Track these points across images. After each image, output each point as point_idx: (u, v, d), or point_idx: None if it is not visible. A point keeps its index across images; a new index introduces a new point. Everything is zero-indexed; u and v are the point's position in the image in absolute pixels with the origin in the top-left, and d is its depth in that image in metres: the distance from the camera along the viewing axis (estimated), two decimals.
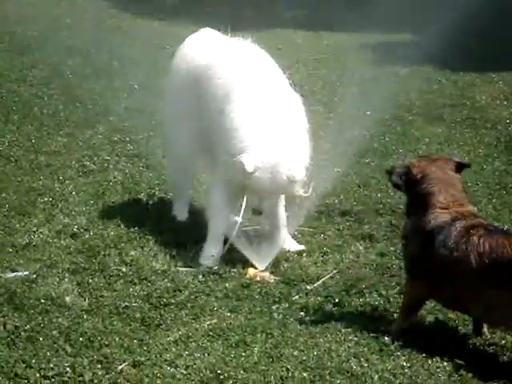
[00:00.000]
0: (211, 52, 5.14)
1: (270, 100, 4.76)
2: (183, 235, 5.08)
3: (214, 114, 4.83)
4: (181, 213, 5.35)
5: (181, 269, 4.71)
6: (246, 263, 4.77)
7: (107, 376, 3.74)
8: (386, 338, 4.00)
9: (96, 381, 3.71)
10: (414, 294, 4.06)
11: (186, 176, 5.37)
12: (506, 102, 7.87)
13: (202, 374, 3.77)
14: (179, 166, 5.33)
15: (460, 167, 4.12)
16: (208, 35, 5.36)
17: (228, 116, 4.71)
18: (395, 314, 4.25)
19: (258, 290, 4.51)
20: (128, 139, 6.73)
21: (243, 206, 4.71)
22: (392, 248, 4.98)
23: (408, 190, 4.07)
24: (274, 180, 4.56)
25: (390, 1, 10.67)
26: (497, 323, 3.96)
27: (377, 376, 3.76)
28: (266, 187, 4.58)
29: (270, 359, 3.89)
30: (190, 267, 4.73)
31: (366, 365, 3.85)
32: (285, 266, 4.78)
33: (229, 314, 4.27)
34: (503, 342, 4.02)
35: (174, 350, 3.95)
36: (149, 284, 4.54)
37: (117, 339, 4.01)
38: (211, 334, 4.09)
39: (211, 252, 4.81)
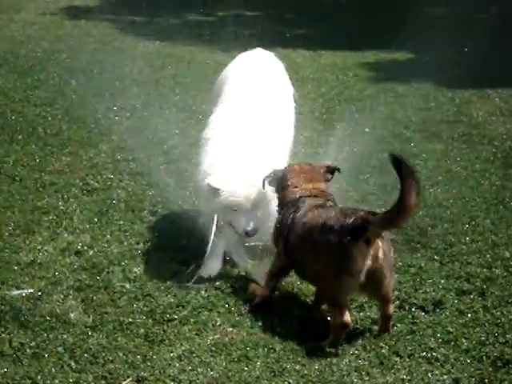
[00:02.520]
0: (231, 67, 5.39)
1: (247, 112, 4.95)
2: (186, 252, 5.13)
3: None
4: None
5: (183, 285, 4.76)
6: (248, 279, 4.83)
7: None
8: (383, 351, 4.07)
9: None
10: (276, 263, 4.52)
11: None
12: (502, 118, 7.92)
13: None
14: None
15: (331, 171, 4.68)
16: (255, 55, 5.50)
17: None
18: (395, 327, 4.31)
19: (260, 304, 4.56)
20: (131, 158, 6.78)
21: (214, 224, 4.83)
22: None
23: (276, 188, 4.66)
24: (245, 192, 4.69)
25: (388, 20, 10.76)
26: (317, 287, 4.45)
27: None
28: (241, 201, 4.69)
29: (272, 373, 3.95)
30: (193, 283, 4.78)
31: (367, 378, 3.91)
32: (286, 280, 4.84)
33: (231, 329, 4.32)
34: None
35: (177, 365, 4.00)
36: (152, 300, 4.60)
37: (121, 355, 4.07)
38: (214, 349, 4.14)
39: (211, 266, 4.87)
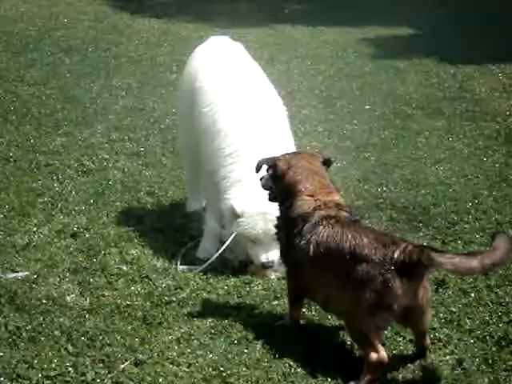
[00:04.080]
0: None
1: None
2: (183, 233, 5.08)
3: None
4: (192, 205, 5.35)
5: (181, 266, 4.70)
6: (247, 260, 4.76)
7: (109, 375, 3.74)
8: (386, 332, 4.00)
9: (98, 380, 3.71)
10: (292, 284, 4.05)
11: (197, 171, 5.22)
12: (505, 94, 7.85)
13: (204, 372, 3.77)
14: (191, 161, 5.30)
15: (327, 162, 4.11)
16: (214, 45, 5.30)
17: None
18: None
19: (259, 286, 4.51)
20: (127, 138, 6.71)
21: (228, 241, 4.63)
22: None
23: (275, 183, 4.03)
24: (265, 226, 4.48)
25: None
26: (334, 313, 3.98)
27: None
28: (259, 234, 4.53)
29: (273, 355, 3.89)
30: (191, 265, 4.72)
31: None
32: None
33: (230, 311, 4.26)
34: None
35: (176, 348, 3.95)
36: (150, 282, 4.54)
37: (118, 338, 4.01)
38: (213, 331, 4.09)
39: (207, 246, 4.81)
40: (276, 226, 4.10)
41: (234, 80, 4.92)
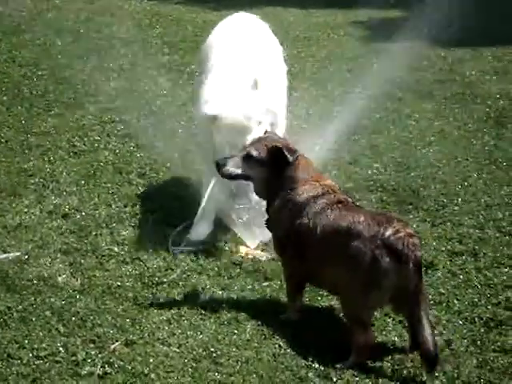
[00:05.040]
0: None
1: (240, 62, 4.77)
2: (175, 214, 5.07)
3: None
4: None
5: (172, 247, 4.71)
6: (238, 241, 4.78)
7: (100, 355, 3.76)
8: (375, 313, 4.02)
9: (89, 360, 3.73)
10: (292, 272, 4.00)
11: None
12: (495, 77, 7.85)
13: (194, 352, 3.80)
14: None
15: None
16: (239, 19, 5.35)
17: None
18: None
19: (250, 267, 4.53)
20: (118, 119, 6.69)
21: (212, 182, 4.67)
22: None
23: (273, 169, 3.95)
24: (235, 120, 4.46)
25: None
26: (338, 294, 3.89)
27: None
28: (230, 130, 4.47)
29: (263, 336, 3.92)
30: (182, 246, 4.73)
31: None
32: None
33: (221, 292, 4.29)
34: None
35: (166, 328, 3.97)
36: (141, 263, 4.55)
37: (109, 318, 4.03)
38: (203, 312, 4.11)
39: (201, 228, 4.82)
40: (269, 220, 4.05)
41: (244, 41, 4.97)
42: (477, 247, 4.71)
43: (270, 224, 4.09)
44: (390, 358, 3.78)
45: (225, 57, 4.85)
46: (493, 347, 3.86)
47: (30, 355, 3.75)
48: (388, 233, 3.59)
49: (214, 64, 4.82)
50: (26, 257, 4.57)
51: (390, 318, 4.04)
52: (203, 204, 4.85)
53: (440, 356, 3.65)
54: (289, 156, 3.91)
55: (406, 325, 3.82)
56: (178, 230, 4.84)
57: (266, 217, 4.09)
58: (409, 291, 3.59)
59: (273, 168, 3.95)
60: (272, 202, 4.00)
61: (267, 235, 4.48)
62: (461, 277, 4.42)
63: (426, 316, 3.62)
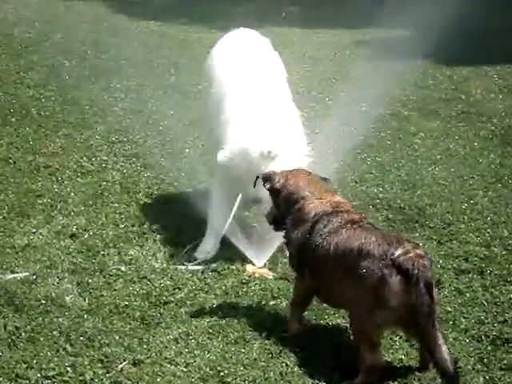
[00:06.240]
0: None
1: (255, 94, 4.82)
2: (182, 234, 5.10)
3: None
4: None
5: (179, 267, 4.73)
6: (245, 260, 4.79)
7: (108, 375, 3.77)
8: None
9: (97, 380, 3.74)
10: (300, 289, 4.07)
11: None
12: (500, 96, 7.88)
13: (202, 372, 3.80)
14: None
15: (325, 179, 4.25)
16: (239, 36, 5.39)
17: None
18: None
19: (257, 286, 4.54)
20: (126, 139, 6.74)
21: (236, 205, 4.72)
22: None
23: (276, 197, 4.14)
24: (249, 161, 4.53)
25: None
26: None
27: None
28: (244, 171, 4.56)
29: (270, 355, 3.92)
30: (189, 265, 4.75)
31: None
32: (282, 262, 4.79)
33: (228, 311, 4.29)
34: None
35: (173, 347, 3.98)
36: (148, 283, 4.57)
37: (117, 338, 4.04)
38: (211, 331, 4.11)
39: (207, 247, 4.84)
40: (285, 237, 4.13)
41: (247, 65, 5.01)
42: (483, 265, 4.71)
43: (285, 242, 4.17)
44: (396, 377, 3.77)
45: (244, 92, 4.83)
46: (499, 365, 3.85)
47: (39, 375, 3.76)
48: (398, 253, 3.60)
49: (237, 100, 4.81)
50: (34, 277, 4.58)
51: (396, 336, 4.04)
52: (210, 223, 4.87)
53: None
54: (264, 184, 4.15)
55: (415, 345, 3.81)
56: (189, 248, 4.86)
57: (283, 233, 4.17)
58: (421, 312, 3.57)
59: (274, 195, 4.16)
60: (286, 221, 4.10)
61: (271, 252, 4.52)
62: (467, 295, 4.42)
63: (442, 335, 3.61)
